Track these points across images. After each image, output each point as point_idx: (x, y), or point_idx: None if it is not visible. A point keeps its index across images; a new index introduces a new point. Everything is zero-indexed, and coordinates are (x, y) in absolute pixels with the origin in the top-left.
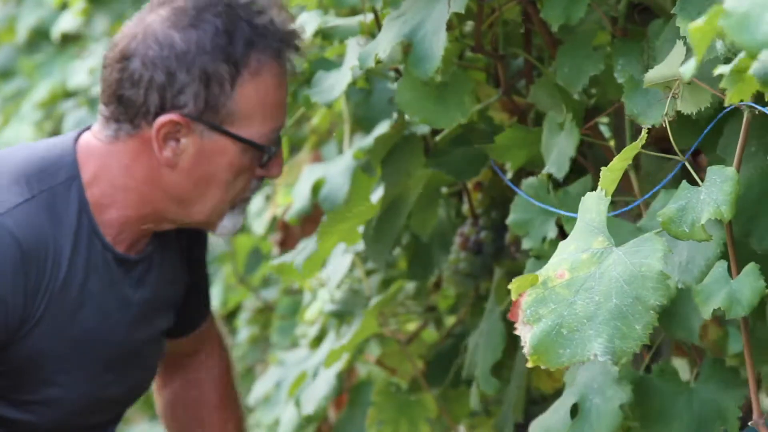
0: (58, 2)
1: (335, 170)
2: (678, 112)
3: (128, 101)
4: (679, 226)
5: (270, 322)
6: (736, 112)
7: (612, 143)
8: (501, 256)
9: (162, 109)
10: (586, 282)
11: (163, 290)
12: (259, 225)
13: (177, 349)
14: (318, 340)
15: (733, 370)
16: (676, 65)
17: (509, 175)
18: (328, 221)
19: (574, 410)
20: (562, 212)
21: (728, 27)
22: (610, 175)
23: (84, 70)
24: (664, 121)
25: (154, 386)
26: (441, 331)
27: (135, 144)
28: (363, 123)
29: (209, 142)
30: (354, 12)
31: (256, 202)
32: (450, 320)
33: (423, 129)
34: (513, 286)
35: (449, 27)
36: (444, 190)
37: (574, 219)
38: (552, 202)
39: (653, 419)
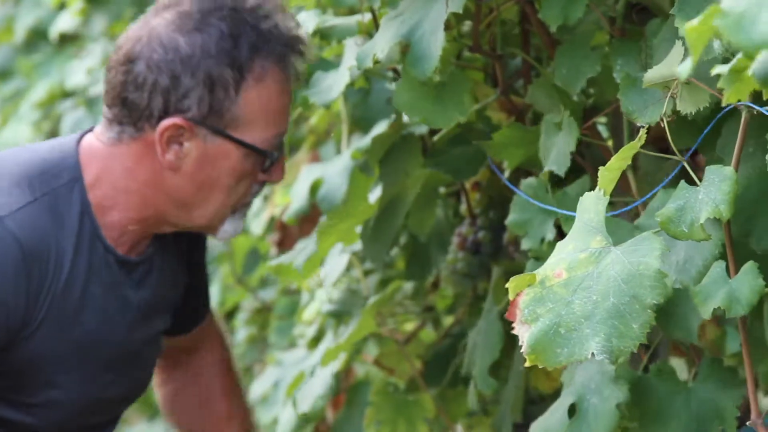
0: (56, 2)
1: (333, 170)
2: (676, 112)
3: (132, 104)
4: (678, 226)
5: (268, 322)
6: (734, 111)
7: (610, 143)
8: (499, 256)
9: (166, 113)
10: (583, 281)
11: (163, 292)
12: (257, 225)
13: (177, 346)
14: (316, 341)
15: (732, 370)
16: (674, 65)
17: (507, 174)
18: (327, 222)
19: (572, 410)
20: (561, 211)
21: (724, 27)
22: (609, 174)
23: (82, 70)
24: (663, 121)
25: (155, 383)
26: (439, 331)
27: (138, 147)
28: (361, 123)
29: (212, 147)
30: (352, 12)
31: (254, 202)
32: (448, 320)
33: (421, 129)
34: (510, 285)
35: (447, 27)
36: (442, 189)
37: (573, 219)
38: (550, 202)
39: (651, 419)
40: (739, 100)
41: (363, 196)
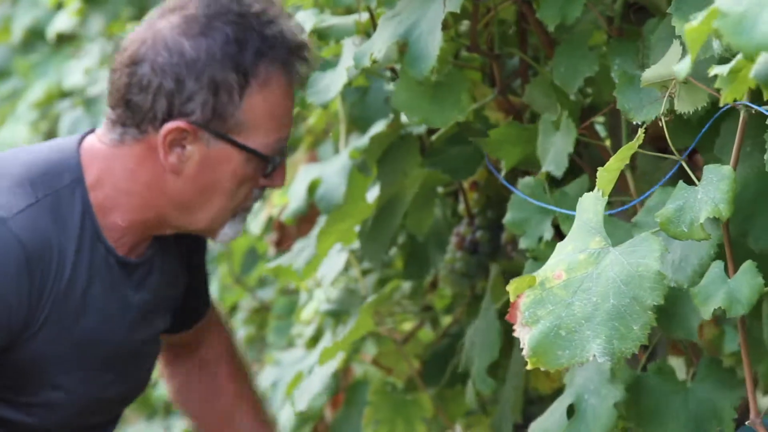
0: (53, 2)
1: (331, 170)
2: (674, 112)
3: (136, 106)
4: (677, 226)
5: (266, 322)
6: (732, 111)
7: (608, 143)
8: (497, 255)
9: (169, 116)
10: (583, 283)
11: (163, 292)
12: (255, 225)
13: (182, 340)
14: (314, 340)
15: (730, 371)
16: (672, 65)
17: (504, 174)
18: (326, 223)
19: (570, 411)
20: (559, 210)
21: (724, 28)
22: (607, 175)
23: (79, 70)
24: (661, 121)
25: (164, 376)
26: (437, 331)
27: (140, 149)
28: (359, 122)
29: (215, 151)
30: (349, 11)
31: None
32: (446, 320)
33: (419, 128)
34: (511, 287)
35: (445, 26)
36: (440, 189)
37: (571, 218)
38: (548, 201)
39: (650, 418)
40: (736, 99)
41: (361, 195)
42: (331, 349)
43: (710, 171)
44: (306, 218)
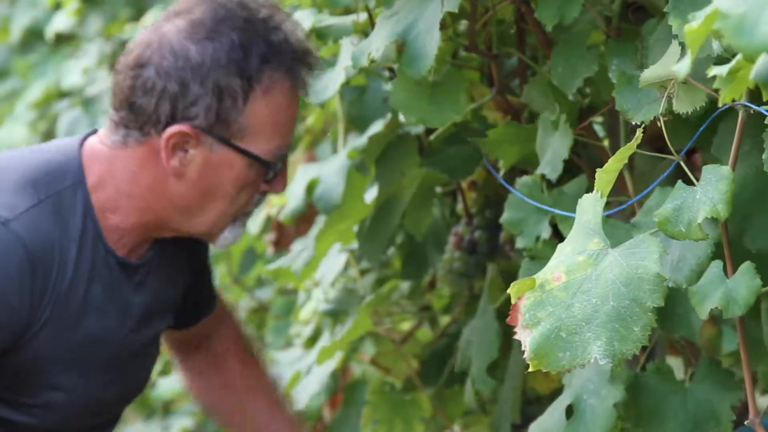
0: (51, 2)
1: (329, 170)
2: (672, 111)
3: (139, 109)
4: (675, 225)
5: (264, 322)
6: (730, 111)
7: (606, 143)
8: (495, 255)
9: (173, 119)
10: (582, 284)
11: (163, 294)
12: (253, 225)
13: (190, 336)
14: (312, 340)
15: (728, 372)
16: (671, 65)
17: (502, 173)
18: (325, 224)
19: (570, 411)
20: (556, 211)
21: (725, 29)
22: (606, 176)
23: (78, 70)
24: (660, 121)
25: (177, 370)
26: (435, 331)
27: (143, 151)
28: (357, 122)
29: (217, 155)
30: (348, 11)
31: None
32: (444, 320)
33: (417, 128)
34: (512, 289)
35: (443, 26)
36: (438, 189)
37: (568, 218)
38: (546, 201)
39: (648, 419)
40: (734, 99)
41: (359, 195)
42: (329, 348)
43: (709, 171)
44: (304, 218)
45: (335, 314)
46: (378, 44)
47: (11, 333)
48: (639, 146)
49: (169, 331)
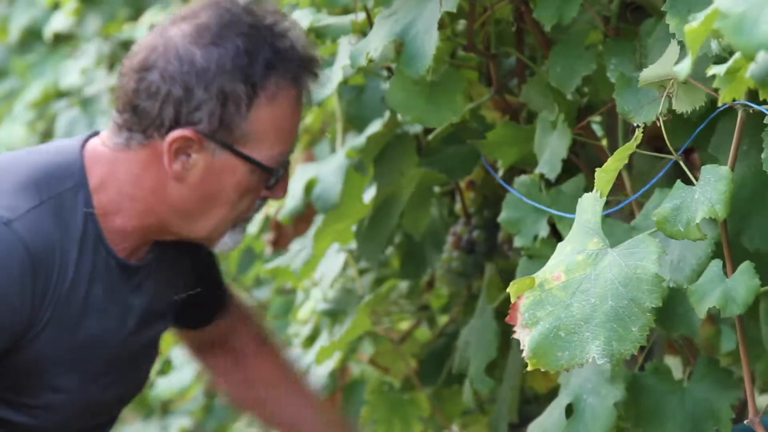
0: (50, 2)
1: (328, 169)
2: (671, 111)
3: (143, 112)
4: (674, 225)
5: None
6: (729, 110)
7: (604, 142)
8: (494, 255)
9: (176, 123)
10: (582, 284)
11: (161, 296)
12: (252, 224)
13: (207, 335)
14: (311, 340)
15: (727, 371)
16: (670, 64)
17: (501, 173)
18: (323, 223)
19: (569, 410)
20: (554, 211)
21: (725, 29)
22: (605, 176)
23: (76, 70)
24: (659, 120)
25: (200, 367)
26: (434, 330)
27: (145, 154)
28: (355, 122)
29: (219, 161)
30: (346, 11)
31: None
32: (443, 319)
33: (415, 128)
34: (512, 289)
35: (441, 26)
36: (437, 189)
37: (566, 218)
38: (544, 200)
39: (647, 418)
40: (734, 99)
41: (358, 195)
42: (327, 348)
43: (708, 171)
44: (303, 217)
45: (334, 314)
46: (376, 44)
47: (13, 333)
48: (638, 146)
49: (185, 331)
